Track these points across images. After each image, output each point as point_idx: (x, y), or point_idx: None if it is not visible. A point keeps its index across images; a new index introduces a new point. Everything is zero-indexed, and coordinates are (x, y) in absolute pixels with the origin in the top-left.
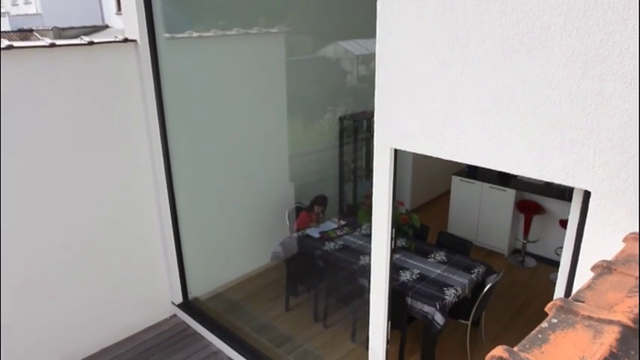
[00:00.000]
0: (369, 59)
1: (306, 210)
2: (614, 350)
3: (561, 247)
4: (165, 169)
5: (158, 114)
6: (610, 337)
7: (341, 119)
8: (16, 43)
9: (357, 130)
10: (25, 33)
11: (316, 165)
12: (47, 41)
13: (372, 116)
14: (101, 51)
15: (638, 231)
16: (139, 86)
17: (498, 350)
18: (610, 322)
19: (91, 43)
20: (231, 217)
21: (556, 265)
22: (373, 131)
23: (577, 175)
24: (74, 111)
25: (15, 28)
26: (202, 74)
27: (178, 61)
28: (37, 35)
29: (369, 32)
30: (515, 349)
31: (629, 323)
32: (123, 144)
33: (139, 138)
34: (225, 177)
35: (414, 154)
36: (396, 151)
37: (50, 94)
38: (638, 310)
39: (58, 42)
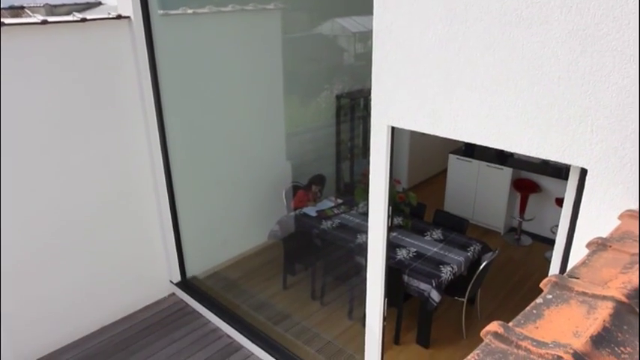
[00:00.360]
0: (366, 36)
1: (304, 189)
2: (607, 325)
3: (557, 226)
4: (161, 147)
5: (153, 92)
6: (604, 312)
7: (338, 97)
8: (7, 20)
9: (354, 108)
10: (16, 10)
11: (313, 144)
12: (39, 18)
13: (369, 94)
14: (94, 28)
15: (634, 208)
16: (133, 64)
17: (493, 325)
18: (604, 297)
19: (83, 20)
20: (228, 196)
21: (551, 243)
22: (370, 109)
23: (574, 153)
24: (68, 89)
25: (6, 5)
26: (197, 51)
27: (173, 38)
28: (29, 12)
29: (367, 9)
30: (510, 324)
31: (623, 299)
32: (118, 122)
33: (135, 116)
34: (222, 156)
35: (411, 132)
36: (393, 128)
37: (42, 72)
38: (631, 286)
39: (50, 19)
